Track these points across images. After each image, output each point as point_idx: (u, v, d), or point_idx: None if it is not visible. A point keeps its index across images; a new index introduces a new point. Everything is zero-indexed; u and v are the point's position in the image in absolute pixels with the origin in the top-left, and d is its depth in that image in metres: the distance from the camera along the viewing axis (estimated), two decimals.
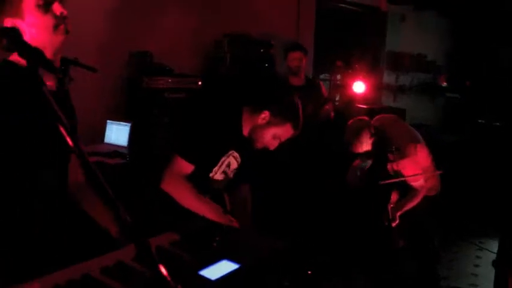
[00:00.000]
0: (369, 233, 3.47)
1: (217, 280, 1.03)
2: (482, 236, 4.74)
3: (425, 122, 6.67)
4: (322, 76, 6.60)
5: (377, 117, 3.35)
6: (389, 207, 3.07)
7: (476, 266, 4.22)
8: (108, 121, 4.05)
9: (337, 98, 5.54)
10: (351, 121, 3.23)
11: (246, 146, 2.29)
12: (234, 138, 2.26)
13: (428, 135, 5.83)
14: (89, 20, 4.05)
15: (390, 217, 3.04)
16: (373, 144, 3.08)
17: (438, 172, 3.17)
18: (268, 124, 2.18)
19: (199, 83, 4.22)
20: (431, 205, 3.37)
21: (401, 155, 2.99)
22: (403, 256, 3.48)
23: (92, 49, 4.09)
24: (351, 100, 4.99)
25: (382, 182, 2.99)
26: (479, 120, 6.06)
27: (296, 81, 4.14)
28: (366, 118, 3.23)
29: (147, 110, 4.00)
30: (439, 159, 5.20)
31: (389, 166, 3.04)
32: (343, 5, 6.02)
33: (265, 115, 2.18)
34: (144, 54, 4.19)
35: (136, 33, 4.29)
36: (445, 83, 7.06)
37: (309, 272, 3.63)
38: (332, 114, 4.13)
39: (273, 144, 2.24)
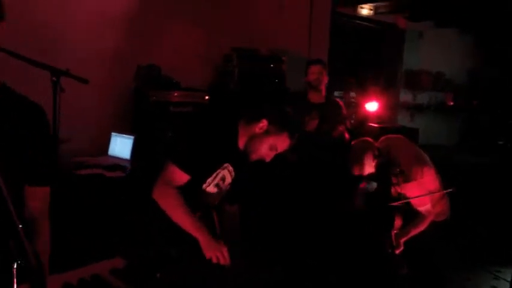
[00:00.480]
0: (371, 259, 3.32)
1: None
2: (499, 265, 4.50)
3: (442, 143, 6.48)
4: (336, 94, 6.50)
5: (382, 138, 3.21)
6: (392, 233, 2.91)
7: None
8: (112, 133, 4.02)
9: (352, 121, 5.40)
10: (354, 142, 3.10)
11: (241, 160, 2.24)
12: (230, 151, 2.21)
13: (445, 156, 5.70)
14: (98, 32, 4.08)
15: (394, 243, 2.89)
16: (377, 167, 2.94)
17: (444, 192, 2.99)
18: (266, 133, 2.16)
19: (206, 97, 4.17)
20: (440, 231, 3.21)
21: (406, 178, 2.85)
22: (408, 283, 3.32)
23: (100, 61, 4.11)
24: (364, 119, 4.86)
25: (390, 204, 2.83)
26: (499, 142, 5.85)
27: (316, 97, 3.99)
28: (370, 139, 3.08)
29: (151, 123, 3.96)
30: (455, 181, 5.05)
31: (393, 190, 2.88)
32: (359, 22, 5.92)
33: (263, 124, 2.15)
34: (152, 67, 4.18)
35: (145, 46, 4.30)
36: (451, 103, 6.85)
37: None
38: (347, 135, 3.99)
39: (269, 155, 2.20)
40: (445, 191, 2.96)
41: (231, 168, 2.27)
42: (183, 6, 4.52)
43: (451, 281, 3.98)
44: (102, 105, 4.13)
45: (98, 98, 4.10)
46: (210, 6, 4.66)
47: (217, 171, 2.22)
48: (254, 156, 2.19)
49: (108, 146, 4.02)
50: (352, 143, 3.10)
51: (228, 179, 2.29)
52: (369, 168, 2.94)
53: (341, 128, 3.95)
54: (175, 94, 4.07)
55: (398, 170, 2.82)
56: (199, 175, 2.15)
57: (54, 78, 2.36)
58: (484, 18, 6.19)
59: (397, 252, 2.90)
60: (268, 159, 2.21)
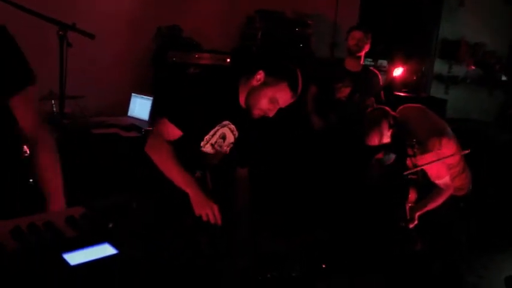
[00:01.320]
0: (385, 233, 3.23)
1: (77, 266, 0.90)
2: None
3: (480, 118, 6.19)
4: (366, 61, 6.28)
5: (401, 107, 3.06)
6: (407, 207, 2.80)
7: None
8: (132, 94, 4.03)
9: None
10: (369, 110, 2.97)
11: (244, 119, 2.16)
12: (230, 107, 2.14)
13: (477, 132, 5.44)
14: None
15: (408, 217, 2.78)
16: (392, 137, 2.80)
17: (460, 154, 2.81)
18: (264, 85, 2.07)
19: (228, 60, 4.09)
20: (460, 206, 3.07)
21: (423, 149, 2.71)
22: (427, 258, 3.21)
23: (121, 22, 4.09)
24: (391, 87, 4.66)
25: (405, 173, 2.71)
26: None
27: (352, 65, 3.85)
28: (386, 107, 2.94)
29: (170, 85, 3.93)
30: (491, 158, 4.84)
31: (408, 161, 2.75)
32: None
33: (260, 75, 2.07)
34: (172, 29, 4.13)
35: (167, 7, 4.25)
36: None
37: (323, 266, 3.45)
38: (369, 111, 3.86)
39: (272, 110, 2.10)
40: (460, 153, 2.79)
41: (232, 126, 2.20)
42: None
43: (472, 260, 3.87)
44: (122, 66, 4.14)
45: (118, 58, 4.11)
46: None
47: (216, 128, 2.15)
48: (256, 112, 2.11)
49: (128, 107, 4.05)
50: (368, 110, 2.97)
51: (230, 138, 2.23)
52: (384, 137, 2.81)
53: (371, 100, 3.81)
54: (196, 56, 4.02)
55: (414, 140, 2.69)
56: (194, 131, 2.10)
57: (61, 32, 2.35)
58: None
59: (411, 226, 2.79)
60: (271, 114, 2.12)
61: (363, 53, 3.83)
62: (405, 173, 2.68)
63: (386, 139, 2.81)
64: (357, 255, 3.53)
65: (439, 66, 6.22)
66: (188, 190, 2.00)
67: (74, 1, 3.79)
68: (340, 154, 3.77)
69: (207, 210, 1.99)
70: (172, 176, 2.01)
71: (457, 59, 6.18)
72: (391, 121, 2.81)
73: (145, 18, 4.14)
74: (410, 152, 2.69)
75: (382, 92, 3.96)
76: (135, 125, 3.66)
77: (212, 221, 2.00)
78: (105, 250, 0.98)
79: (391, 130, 2.79)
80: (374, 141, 2.82)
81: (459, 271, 3.20)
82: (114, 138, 3.42)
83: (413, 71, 4.37)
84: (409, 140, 2.68)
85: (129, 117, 3.97)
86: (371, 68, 4.09)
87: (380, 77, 4.00)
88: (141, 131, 3.54)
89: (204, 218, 1.99)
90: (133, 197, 1.46)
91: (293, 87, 2.09)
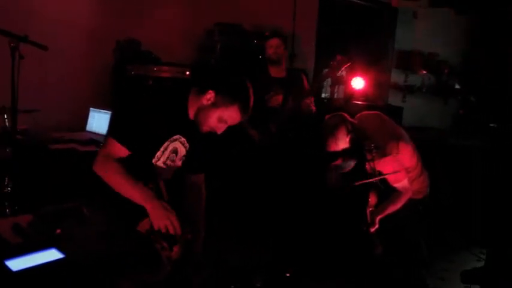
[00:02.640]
0: (346, 238, 3.26)
1: (20, 272, 0.88)
2: (483, 246, 4.44)
3: (435, 125, 6.37)
4: (325, 71, 6.39)
5: (358, 114, 3.12)
6: (367, 211, 2.84)
7: None
8: (91, 109, 3.97)
9: (335, 95, 5.31)
10: (327, 116, 3.01)
11: (195, 131, 2.14)
12: (179, 122, 2.11)
13: (436, 138, 5.60)
14: (77, 6, 4.00)
15: (369, 221, 2.81)
16: (351, 142, 2.84)
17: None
18: (213, 105, 2.04)
19: (187, 72, 4.08)
20: (419, 209, 3.14)
21: (381, 153, 2.76)
22: (388, 263, 3.25)
23: (78, 35, 4.04)
24: (349, 97, 4.77)
25: (357, 183, 2.75)
26: (491, 125, 5.74)
27: (276, 72, 3.91)
28: (343, 113, 2.99)
29: (129, 98, 3.88)
30: (447, 163, 4.98)
31: (367, 166, 2.79)
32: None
33: (210, 95, 2.03)
34: (131, 42, 4.09)
35: (126, 21, 4.22)
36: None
37: (287, 274, 3.45)
38: (314, 108, 3.91)
39: (220, 128, 2.09)
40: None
41: (183, 139, 2.18)
42: None
43: (432, 263, 3.94)
44: (81, 80, 4.07)
45: (76, 72, 4.05)
46: None
47: (166, 144, 2.12)
48: (205, 128, 2.09)
49: (87, 122, 3.98)
50: (326, 117, 3.01)
51: (182, 151, 2.21)
52: (343, 143, 2.85)
53: (308, 100, 3.85)
54: (155, 69, 3.99)
55: (372, 145, 2.74)
56: (144, 149, 2.05)
57: (12, 44, 2.30)
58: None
59: (372, 230, 2.82)
60: (219, 132, 2.11)
61: (283, 59, 3.90)
62: (363, 181, 2.72)
63: (345, 144, 2.85)
64: (319, 262, 3.57)
65: (396, 76, 6.40)
66: (145, 203, 1.96)
67: (27, 13, 3.71)
68: (293, 162, 3.80)
69: (165, 222, 1.96)
70: (125, 192, 1.97)
71: (412, 68, 6.38)
72: (349, 127, 2.85)
73: (104, 32, 4.09)
74: (369, 156, 2.73)
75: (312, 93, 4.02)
76: (94, 139, 3.59)
77: (171, 231, 1.97)
78: (52, 255, 0.95)
79: (349, 135, 2.83)
80: (332, 147, 2.86)
81: (420, 275, 3.25)
82: (71, 153, 3.34)
83: (371, 81, 4.46)
84: (367, 145, 2.73)
85: (88, 132, 3.90)
86: (295, 70, 4.18)
87: (304, 76, 4.07)
88: (99, 144, 3.47)
89: (163, 230, 1.96)
90: (83, 203, 1.43)
91: (244, 109, 2.08)
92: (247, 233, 3.74)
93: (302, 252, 3.61)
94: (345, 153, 2.91)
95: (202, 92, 2.05)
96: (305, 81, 4.04)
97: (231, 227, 3.76)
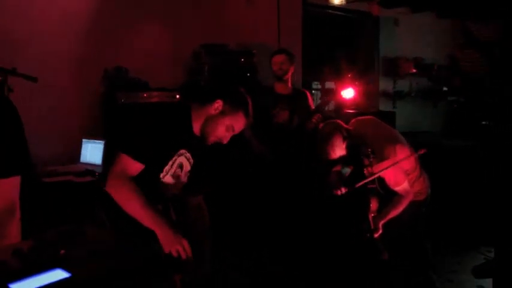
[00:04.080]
0: (351, 245, 3.22)
1: None
2: (491, 245, 4.41)
3: (427, 128, 6.40)
4: (314, 84, 6.43)
5: (352, 120, 3.12)
6: (370, 217, 2.81)
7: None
8: (83, 140, 3.93)
9: (327, 108, 5.32)
10: (321, 125, 3.00)
11: (198, 147, 2.18)
12: (184, 136, 2.14)
13: (431, 141, 5.62)
14: (63, 37, 4.00)
15: (372, 227, 2.78)
16: (348, 148, 2.83)
17: (416, 155, 2.83)
18: (222, 114, 2.12)
19: (177, 96, 4.08)
20: (421, 211, 3.11)
21: (379, 158, 2.75)
22: (395, 267, 3.21)
23: (67, 66, 4.03)
24: (340, 107, 4.79)
25: (358, 184, 2.73)
26: (483, 122, 5.78)
27: (282, 89, 3.94)
28: (338, 121, 2.99)
29: (124, 121, 3.87)
30: (442, 165, 4.98)
31: (365, 171, 2.78)
32: (331, 11, 5.85)
33: (218, 104, 2.11)
34: (119, 70, 4.10)
35: (112, 48, 4.22)
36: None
37: None
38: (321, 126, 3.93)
39: (227, 137, 2.16)
40: (416, 154, 2.83)
41: (188, 154, 2.20)
42: (150, 7, 4.45)
43: (439, 264, 3.91)
44: (71, 110, 4.05)
45: (66, 103, 4.03)
46: (177, 5, 4.59)
47: (174, 158, 2.14)
48: (211, 139, 2.14)
49: (80, 154, 3.94)
50: (320, 126, 3.01)
51: (187, 167, 2.22)
52: (340, 150, 2.83)
53: (314, 119, 3.85)
54: (145, 95, 3.99)
55: (369, 150, 2.73)
56: (154, 163, 2.07)
57: (0, 78, 2.28)
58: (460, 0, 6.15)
59: (376, 236, 2.79)
60: (225, 141, 2.16)
61: (289, 76, 3.92)
62: (361, 183, 2.70)
63: (342, 151, 2.83)
64: (326, 272, 3.52)
65: (384, 84, 6.45)
66: (156, 229, 1.95)
67: (15, 45, 3.70)
68: (296, 177, 3.80)
69: (177, 247, 1.94)
70: (137, 215, 1.96)
71: (399, 74, 6.44)
72: (344, 133, 2.85)
73: (91, 60, 4.09)
74: (366, 161, 2.72)
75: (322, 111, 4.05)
76: (90, 170, 3.56)
77: (183, 256, 1.95)
78: (57, 275, 0.92)
79: (345, 142, 2.82)
80: (329, 155, 2.84)
81: (430, 278, 3.21)
82: (67, 185, 3.30)
83: (361, 90, 4.50)
84: (365, 150, 2.72)
85: (82, 163, 3.86)
86: (300, 88, 4.21)
87: (309, 95, 4.10)
88: (94, 174, 3.44)
89: (175, 254, 1.95)
90: (86, 223, 1.41)
91: (247, 115, 2.17)
92: (252, 247, 3.71)
93: (309, 265, 3.57)
94: (342, 160, 2.90)
95: (210, 101, 2.12)
96: (310, 100, 4.06)
97: (235, 243, 3.72)
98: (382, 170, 2.67)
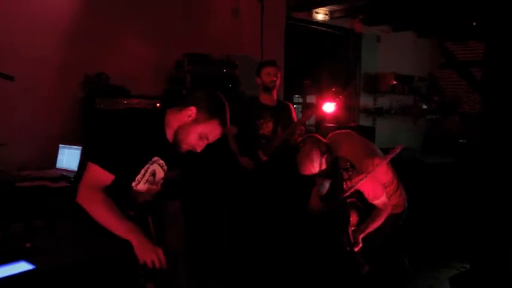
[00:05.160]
0: (332, 260, 3.20)
1: None
2: (466, 260, 4.45)
3: (406, 145, 6.47)
4: (295, 98, 6.49)
5: (330, 134, 3.13)
6: (350, 231, 2.80)
7: None
8: (60, 145, 3.87)
9: (307, 122, 5.35)
10: (300, 139, 3.01)
11: (172, 154, 2.13)
12: (157, 143, 2.08)
13: (410, 158, 5.68)
14: (44, 41, 3.96)
15: (352, 241, 2.78)
16: (327, 162, 2.83)
17: (391, 156, 2.82)
18: (195, 121, 2.04)
19: (158, 104, 4.05)
20: (399, 223, 3.13)
21: (357, 171, 2.75)
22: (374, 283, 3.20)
23: (47, 70, 3.98)
24: (321, 121, 4.82)
25: (343, 195, 2.72)
26: (460, 140, 5.88)
27: (268, 100, 3.93)
28: (316, 135, 3.00)
29: (99, 133, 3.81)
30: (421, 181, 5.04)
31: (345, 185, 2.78)
32: (315, 27, 5.92)
33: (191, 111, 2.03)
34: (100, 76, 4.05)
35: (94, 54, 4.18)
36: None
37: None
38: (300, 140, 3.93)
39: (200, 145, 2.09)
40: (392, 154, 2.82)
41: (161, 161, 2.15)
42: (134, 14, 4.44)
43: (416, 279, 3.92)
44: (49, 115, 3.99)
45: (43, 107, 3.97)
46: (162, 13, 4.58)
47: (146, 167, 2.09)
48: (184, 147, 2.09)
49: (56, 159, 3.87)
50: (299, 140, 3.01)
51: (160, 174, 2.17)
52: (319, 165, 2.82)
53: (298, 131, 3.85)
54: (125, 102, 3.94)
55: (348, 164, 2.73)
56: (126, 173, 2.02)
57: None
58: (439, 21, 6.29)
59: (356, 250, 2.78)
60: (199, 150, 2.10)
61: (276, 88, 3.93)
62: (341, 196, 2.70)
63: (322, 166, 2.83)
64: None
65: (365, 99, 6.52)
66: (131, 238, 1.92)
67: None
68: (278, 189, 3.79)
69: (152, 256, 1.92)
70: (110, 226, 1.92)
71: (380, 91, 6.53)
72: (323, 148, 2.85)
73: (72, 65, 4.05)
74: (345, 175, 2.72)
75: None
76: (65, 175, 3.49)
77: (158, 266, 1.93)
78: (21, 267, 0.90)
79: (324, 156, 2.82)
80: (309, 170, 2.83)
81: None
82: (41, 191, 3.23)
83: (342, 105, 4.53)
84: (343, 164, 2.72)
85: (58, 169, 3.79)
86: (283, 100, 4.23)
87: (293, 108, 4.12)
88: (70, 180, 3.37)
89: (150, 265, 1.92)
90: (55, 218, 1.37)
91: (223, 124, 2.09)
92: (230, 260, 3.66)
93: (286, 280, 3.55)
94: (321, 174, 2.90)
95: (183, 108, 2.05)
96: (293, 113, 4.07)
97: (212, 254, 3.68)
98: (360, 180, 2.67)
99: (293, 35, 5.65)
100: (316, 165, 2.82)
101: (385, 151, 3.12)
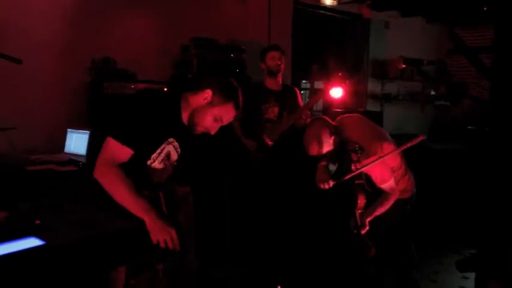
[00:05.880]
0: (337, 242, 3.21)
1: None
2: (473, 247, 4.45)
3: (414, 131, 6.44)
4: (302, 83, 6.45)
5: (339, 117, 3.12)
6: (357, 213, 2.80)
7: (465, 278, 3.91)
8: (68, 129, 3.88)
9: (315, 107, 5.34)
10: (308, 120, 3.00)
11: (186, 136, 2.17)
12: (173, 125, 2.12)
13: (417, 144, 5.65)
14: (51, 26, 3.95)
15: (359, 224, 2.78)
16: (335, 144, 2.82)
17: (403, 147, 2.77)
18: (210, 104, 2.09)
19: (165, 89, 4.04)
20: (406, 208, 3.12)
21: (366, 154, 2.74)
22: (379, 268, 3.21)
23: (54, 54, 3.98)
24: (328, 106, 4.79)
25: (345, 177, 2.72)
26: (469, 127, 5.83)
27: (273, 84, 3.93)
28: (324, 117, 2.99)
29: (106, 117, 3.82)
30: (427, 167, 5.02)
31: (353, 167, 2.77)
32: (323, 12, 5.86)
33: (207, 94, 2.09)
34: (106, 60, 4.05)
35: (101, 39, 4.17)
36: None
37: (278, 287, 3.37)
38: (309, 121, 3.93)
39: (214, 128, 2.15)
40: (411, 143, 2.77)
41: (176, 144, 2.18)
42: None
43: (422, 265, 3.93)
44: (56, 99, 4.00)
45: (51, 91, 3.97)
46: None
47: (163, 146, 2.12)
48: (199, 129, 2.12)
49: (64, 143, 3.89)
50: (308, 121, 3.00)
51: (174, 156, 2.20)
52: (327, 146, 2.83)
53: (304, 115, 3.85)
54: (132, 86, 3.94)
55: (357, 146, 2.72)
56: (143, 150, 2.05)
57: None
58: (449, 6, 6.21)
59: (363, 232, 2.79)
60: (213, 132, 2.15)
61: (281, 72, 3.93)
62: (349, 175, 2.69)
63: (329, 147, 2.82)
64: (313, 272, 3.51)
65: (372, 85, 6.48)
66: (144, 217, 1.94)
67: (2, 31, 3.64)
68: (283, 172, 3.79)
69: (165, 236, 1.94)
70: (126, 203, 1.94)
71: (388, 77, 6.48)
72: (332, 129, 2.84)
73: (79, 50, 4.04)
74: (354, 157, 2.71)
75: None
76: (73, 159, 3.51)
77: (170, 246, 1.95)
78: (31, 242, 0.90)
79: (332, 137, 2.82)
80: (316, 150, 2.83)
81: (413, 278, 3.21)
82: (49, 174, 3.25)
83: (349, 91, 4.51)
84: (352, 146, 2.71)
85: (66, 153, 3.80)
86: (289, 85, 4.22)
87: (299, 93, 4.11)
88: (78, 164, 3.39)
89: (162, 244, 1.94)
90: (64, 200, 1.38)
91: (237, 107, 2.16)
92: (235, 245, 3.68)
93: (292, 263, 3.56)
94: (329, 155, 2.89)
95: (199, 91, 2.10)
96: (299, 97, 4.07)
97: (218, 239, 3.69)
98: (370, 163, 2.66)
99: (301, 20, 5.60)
100: (323, 145, 2.81)
101: (392, 137, 3.11)
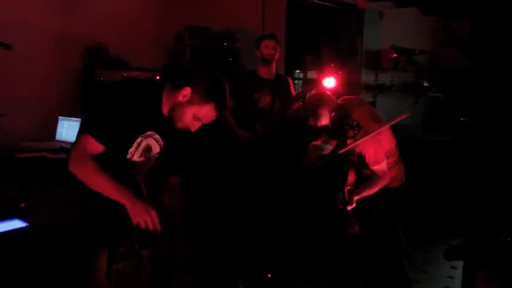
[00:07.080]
0: (322, 215, 3.24)
1: None
2: (462, 237, 4.49)
3: (407, 122, 6.46)
4: (296, 73, 6.44)
5: (340, 98, 3.13)
6: (345, 189, 2.84)
7: (454, 268, 3.95)
8: (60, 117, 3.86)
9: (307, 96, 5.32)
10: (311, 92, 3.02)
11: (169, 128, 2.10)
12: (152, 117, 2.06)
13: (409, 135, 5.68)
14: (42, 12, 3.90)
15: (346, 199, 2.81)
16: (333, 120, 2.82)
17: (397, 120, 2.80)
18: (189, 103, 2.00)
19: (157, 77, 4.02)
20: (396, 197, 3.14)
21: (364, 133, 2.75)
22: (371, 256, 3.23)
23: (46, 40, 3.93)
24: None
25: (341, 151, 2.74)
26: (462, 119, 5.87)
27: (266, 73, 3.94)
28: (325, 92, 3.01)
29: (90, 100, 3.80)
30: (420, 158, 5.05)
31: (349, 142, 2.78)
32: (316, 1, 5.84)
33: (186, 92, 1.99)
34: (99, 48, 4.02)
35: (93, 26, 4.11)
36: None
37: (269, 275, 3.39)
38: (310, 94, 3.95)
39: (194, 126, 2.06)
40: (395, 119, 2.80)
41: (157, 136, 2.13)
42: None
43: (413, 255, 3.96)
44: (48, 86, 3.95)
45: (43, 78, 3.93)
46: None
47: (139, 140, 2.07)
48: (179, 125, 2.06)
49: (56, 131, 3.87)
50: (310, 94, 3.02)
51: (156, 148, 2.16)
52: (325, 119, 2.82)
53: (297, 104, 3.85)
54: (124, 74, 3.91)
55: (355, 122, 2.74)
56: (117, 144, 2.01)
57: None
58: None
59: (349, 209, 2.82)
60: (193, 130, 2.07)
61: (275, 61, 3.93)
62: (344, 149, 2.72)
63: (326, 121, 2.83)
64: (302, 258, 3.53)
65: (366, 76, 6.48)
66: (123, 200, 1.93)
67: None
68: (275, 161, 3.79)
69: (145, 217, 1.93)
70: (103, 190, 1.93)
71: (381, 67, 6.48)
72: (332, 105, 2.85)
73: (71, 37, 3.99)
74: (351, 133, 2.73)
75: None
76: (64, 147, 3.49)
77: (151, 227, 1.94)
78: (14, 224, 0.91)
79: (331, 114, 2.82)
80: (316, 121, 2.82)
81: (403, 267, 3.24)
82: (40, 161, 3.24)
83: (342, 81, 4.52)
84: (350, 121, 2.73)
85: (57, 141, 3.79)
86: (282, 74, 4.22)
87: (292, 82, 4.11)
88: (68, 151, 3.37)
89: (143, 226, 1.93)
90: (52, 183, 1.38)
91: (219, 108, 2.05)
92: (228, 235, 3.69)
93: (284, 250, 3.58)
94: (326, 132, 2.89)
95: (178, 88, 2.01)
96: (292, 87, 4.08)
97: (211, 229, 3.70)
98: (366, 137, 2.68)
99: (295, 10, 5.58)
100: (323, 118, 2.82)
101: None
